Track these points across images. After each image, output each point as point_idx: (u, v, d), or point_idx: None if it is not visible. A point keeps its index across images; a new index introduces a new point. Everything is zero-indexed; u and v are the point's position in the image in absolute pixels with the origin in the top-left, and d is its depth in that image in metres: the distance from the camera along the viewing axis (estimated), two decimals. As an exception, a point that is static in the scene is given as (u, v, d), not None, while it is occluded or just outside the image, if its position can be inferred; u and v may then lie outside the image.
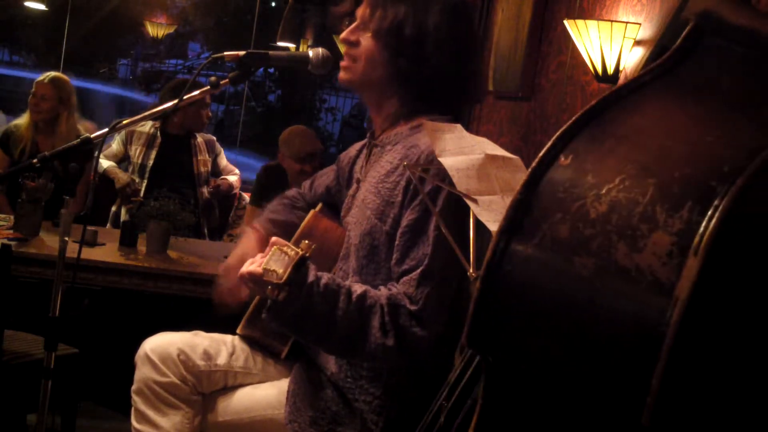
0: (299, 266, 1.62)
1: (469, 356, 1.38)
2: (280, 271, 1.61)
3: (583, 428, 0.77)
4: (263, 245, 1.95)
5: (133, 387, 1.97)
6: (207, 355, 1.98)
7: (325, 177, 2.25)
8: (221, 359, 1.99)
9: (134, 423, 1.96)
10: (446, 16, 1.88)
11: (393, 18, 1.85)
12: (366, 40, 1.89)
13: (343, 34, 1.93)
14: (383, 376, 1.82)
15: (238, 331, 2.05)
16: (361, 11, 1.92)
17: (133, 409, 1.97)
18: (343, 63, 1.93)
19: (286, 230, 2.10)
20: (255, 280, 1.68)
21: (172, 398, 1.93)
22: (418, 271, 1.73)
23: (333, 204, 2.18)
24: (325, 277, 1.72)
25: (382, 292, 1.74)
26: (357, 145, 2.16)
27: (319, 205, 2.16)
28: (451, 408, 1.36)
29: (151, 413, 1.93)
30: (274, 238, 1.71)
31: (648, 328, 0.69)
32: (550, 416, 0.80)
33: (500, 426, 0.85)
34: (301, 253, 1.62)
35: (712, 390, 0.71)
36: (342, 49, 1.95)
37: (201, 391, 1.98)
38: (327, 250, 1.97)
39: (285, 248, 1.64)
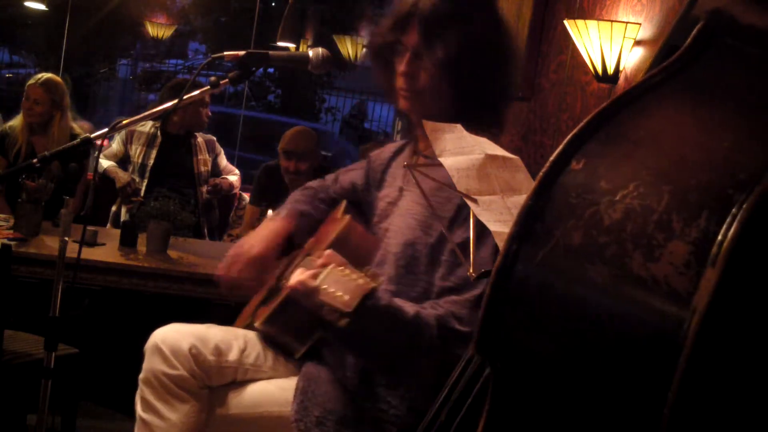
0: (369, 297, 1.54)
1: (470, 356, 1.37)
2: (347, 297, 1.52)
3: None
4: (288, 234, 2.03)
5: (141, 375, 1.95)
6: (218, 351, 1.96)
7: (353, 173, 2.23)
8: (232, 355, 1.98)
9: (140, 411, 1.94)
10: (492, 27, 1.89)
11: (456, 46, 1.82)
12: (425, 72, 1.87)
13: (402, 68, 1.89)
14: (401, 389, 1.81)
15: (256, 324, 2.03)
16: (411, 41, 1.87)
17: (138, 396, 1.95)
18: (404, 94, 1.91)
19: (309, 221, 2.11)
20: (308, 294, 1.62)
21: (181, 391, 1.91)
22: (474, 292, 1.71)
23: (355, 202, 2.17)
24: (384, 298, 1.68)
25: (430, 312, 1.72)
26: (392, 147, 2.13)
27: (344, 203, 2.15)
28: (452, 406, 1.35)
29: (158, 404, 1.91)
30: (329, 252, 1.67)
31: (665, 339, 0.68)
32: (559, 425, 0.79)
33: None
34: (372, 284, 1.54)
35: (730, 401, 0.70)
36: (399, 82, 1.92)
37: (209, 384, 1.96)
38: (360, 258, 1.94)
39: (348, 271, 1.56)
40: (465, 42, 1.83)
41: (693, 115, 0.82)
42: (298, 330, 1.97)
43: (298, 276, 1.66)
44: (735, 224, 0.67)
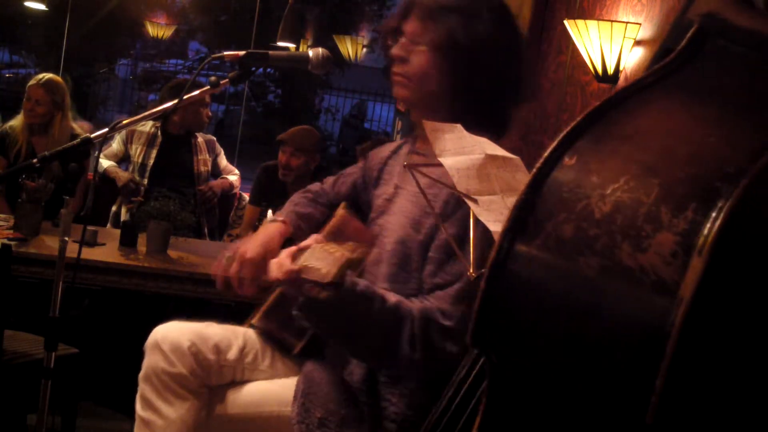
0: (346, 267, 1.55)
1: (475, 355, 1.38)
2: (324, 270, 1.53)
3: (587, 428, 0.77)
4: (285, 237, 1.99)
5: (141, 373, 1.95)
6: (217, 349, 1.96)
7: (351, 176, 2.24)
8: (231, 354, 1.98)
9: (139, 410, 1.94)
10: (496, 23, 1.88)
11: (448, 29, 1.83)
12: (418, 55, 1.88)
13: (393, 50, 1.91)
14: (399, 385, 1.82)
15: (252, 321, 2.03)
16: (410, 26, 1.90)
17: (138, 395, 1.95)
18: (396, 78, 1.92)
19: (309, 224, 2.10)
20: (293, 278, 1.64)
21: (180, 389, 1.91)
22: (456, 287, 1.72)
23: (357, 204, 2.18)
24: (362, 282, 1.71)
25: (415, 304, 1.73)
26: (391, 146, 2.14)
27: (343, 204, 2.16)
28: (456, 407, 1.36)
29: (158, 402, 1.91)
30: (314, 235, 1.68)
31: (652, 328, 0.69)
32: (553, 416, 0.80)
33: (504, 426, 0.85)
34: (348, 255, 1.55)
35: (716, 390, 0.72)
36: (394, 68, 1.93)
37: (208, 384, 1.96)
38: None
39: (328, 247, 1.57)
40: (463, 29, 1.83)
41: (683, 112, 0.83)
42: (294, 325, 1.97)
43: (283, 268, 1.67)
44: (721, 215, 0.69)
